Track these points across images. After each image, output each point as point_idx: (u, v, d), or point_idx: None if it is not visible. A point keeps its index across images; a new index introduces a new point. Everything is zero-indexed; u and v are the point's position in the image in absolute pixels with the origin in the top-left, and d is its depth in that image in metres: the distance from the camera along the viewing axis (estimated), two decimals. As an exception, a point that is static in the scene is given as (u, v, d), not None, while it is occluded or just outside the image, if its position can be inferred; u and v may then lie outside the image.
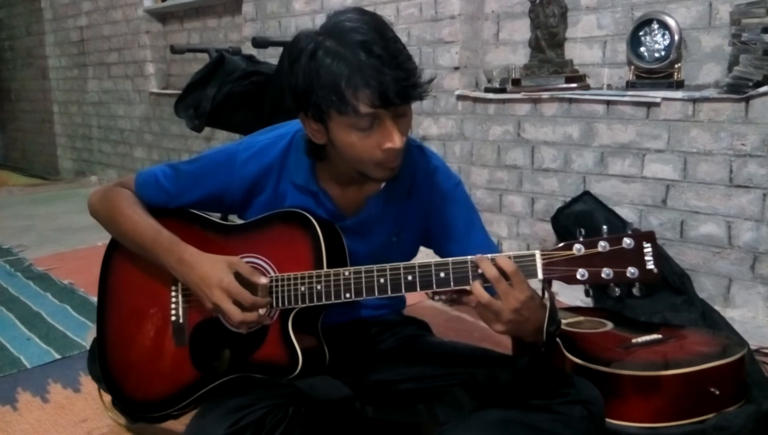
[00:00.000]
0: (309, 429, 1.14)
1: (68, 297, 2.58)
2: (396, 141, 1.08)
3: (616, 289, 1.02)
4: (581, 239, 1.02)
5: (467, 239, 1.30)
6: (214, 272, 1.15)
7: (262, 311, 1.16)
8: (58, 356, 2.03)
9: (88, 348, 1.65)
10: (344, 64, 1.02)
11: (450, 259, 1.08)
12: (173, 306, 1.27)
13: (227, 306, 1.13)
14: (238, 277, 1.15)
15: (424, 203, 1.29)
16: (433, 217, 1.30)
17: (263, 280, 1.15)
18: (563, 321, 1.67)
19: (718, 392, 1.34)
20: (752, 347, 1.64)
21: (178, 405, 1.26)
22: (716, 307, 1.98)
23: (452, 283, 1.07)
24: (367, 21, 1.06)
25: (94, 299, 1.41)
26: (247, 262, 1.21)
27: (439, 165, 1.31)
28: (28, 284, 2.79)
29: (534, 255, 1.04)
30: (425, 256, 1.30)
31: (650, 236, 1.00)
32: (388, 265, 1.11)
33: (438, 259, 1.10)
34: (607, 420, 1.28)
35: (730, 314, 2.00)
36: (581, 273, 1.01)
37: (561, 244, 1.03)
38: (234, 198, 1.27)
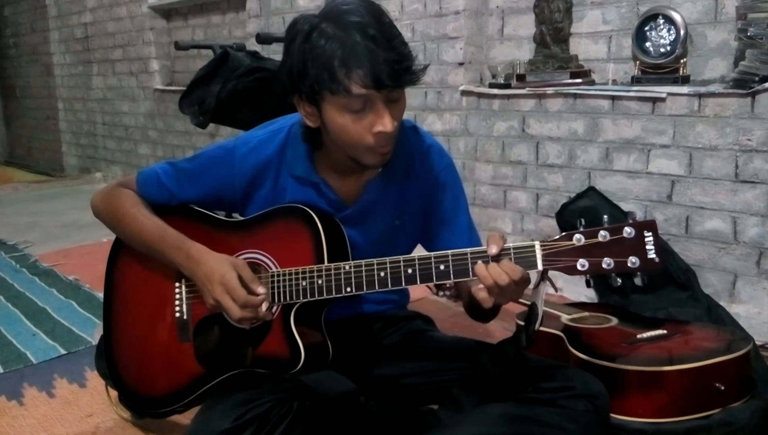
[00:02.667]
0: (313, 423, 1.15)
1: (74, 293, 2.59)
2: (387, 125, 1.08)
3: (618, 279, 1.01)
4: (582, 229, 1.02)
5: (451, 219, 1.31)
6: (217, 268, 1.16)
7: (264, 308, 1.16)
8: (63, 351, 2.04)
9: (95, 344, 1.65)
10: (338, 45, 1.03)
11: (450, 251, 1.08)
12: (177, 302, 1.28)
13: (227, 302, 1.14)
14: (240, 280, 1.16)
15: (422, 182, 1.29)
16: (429, 196, 1.31)
17: (261, 290, 1.15)
18: (568, 316, 1.67)
19: (723, 388, 1.33)
20: (758, 343, 1.63)
21: (184, 400, 1.27)
22: (721, 303, 1.97)
23: (452, 276, 1.07)
24: (364, 5, 1.08)
25: (100, 295, 1.42)
26: (249, 258, 1.22)
27: (432, 143, 1.32)
28: (34, 280, 2.80)
29: (534, 246, 1.03)
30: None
31: (651, 225, 0.99)
32: (388, 259, 1.11)
33: (437, 252, 1.09)
34: (612, 415, 1.28)
35: (735, 310, 1.99)
36: (582, 263, 1.00)
37: (561, 235, 1.02)
38: (234, 193, 1.28)
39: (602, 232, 1.00)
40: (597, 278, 1.03)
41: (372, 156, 1.14)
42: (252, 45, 2.88)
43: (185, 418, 1.33)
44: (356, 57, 1.03)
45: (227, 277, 1.14)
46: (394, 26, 1.09)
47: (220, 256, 1.18)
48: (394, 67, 1.04)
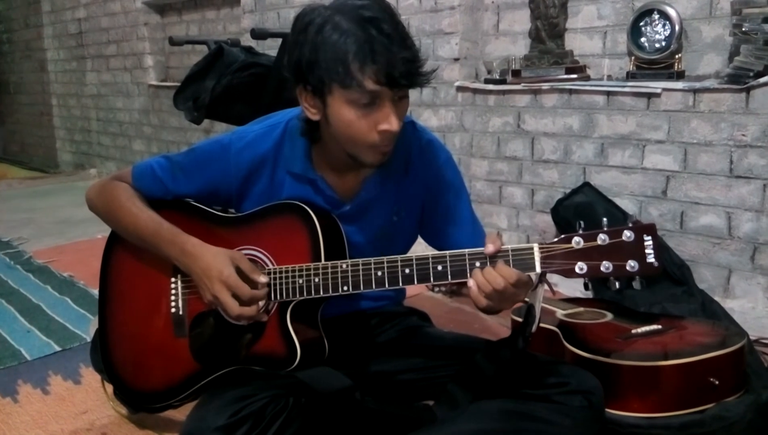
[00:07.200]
0: (309, 420, 1.15)
1: (68, 289, 2.58)
2: (393, 124, 1.08)
3: (616, 283, 1.00)
4: (580, 232, 1.01)
5: (453, 213, 1.31)
6: (215, 264, 1.15)
7: (260, 305, 1.16)
8: (58, 348, 2.03)
9: (89, 340, 1.65)
10: (353, 39, 1.03)
11: (447, 252, 1.07)
12: (173, 297, 1.28)
13: (225, 299, 1.14)
14: (239, 272, 1.15)
15: (421, 178, 1.29)
16: (429, 191, 1.30)
17: (263, 279, 1.15)
18: (563, 312, 1.67)
19: (717, 382, 1.34)
20: (752, 337, 1.64)
21: (179, 396, 1.26)
22: (716, 298, 1.98)
23: (450, 277, 1.06)
24: (377, 1, 1.07)
25: (94, 291, 1.42)
26: (246, 255, 1.21)
27: (431, 138, 1.32)
28: (28, 277, 2.79)
29: (532, 248, 1.03)
30: (424, 248, 1.30)
31: (651, 229, 0.99)
32: (385, 258, 1.10)
33: (435, 252, 1.09)
34: (607, 410, 1.28)
35: (729, 305, 2.00)
36: (580, 266, 1.00)
37: (560, 237, 1.01)
38: (230, 189, 1.27)
39: (601, 236, 0.99)
40: (595, 281, 1.03)
41: (373, 154, 1.13)
42: (247, 40, 2.87)
43: (180, 414, 1.33)
44: (372, 52, 1.02)
45: (226, 274, 1.14)
46: (404, 25, 1.09)
47: (216, 250, 1.18)
48: (408, 67, 1.04)
